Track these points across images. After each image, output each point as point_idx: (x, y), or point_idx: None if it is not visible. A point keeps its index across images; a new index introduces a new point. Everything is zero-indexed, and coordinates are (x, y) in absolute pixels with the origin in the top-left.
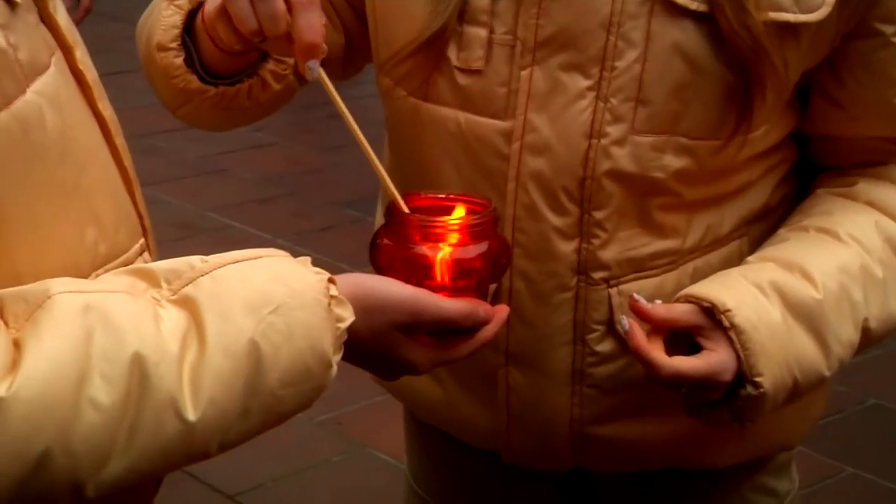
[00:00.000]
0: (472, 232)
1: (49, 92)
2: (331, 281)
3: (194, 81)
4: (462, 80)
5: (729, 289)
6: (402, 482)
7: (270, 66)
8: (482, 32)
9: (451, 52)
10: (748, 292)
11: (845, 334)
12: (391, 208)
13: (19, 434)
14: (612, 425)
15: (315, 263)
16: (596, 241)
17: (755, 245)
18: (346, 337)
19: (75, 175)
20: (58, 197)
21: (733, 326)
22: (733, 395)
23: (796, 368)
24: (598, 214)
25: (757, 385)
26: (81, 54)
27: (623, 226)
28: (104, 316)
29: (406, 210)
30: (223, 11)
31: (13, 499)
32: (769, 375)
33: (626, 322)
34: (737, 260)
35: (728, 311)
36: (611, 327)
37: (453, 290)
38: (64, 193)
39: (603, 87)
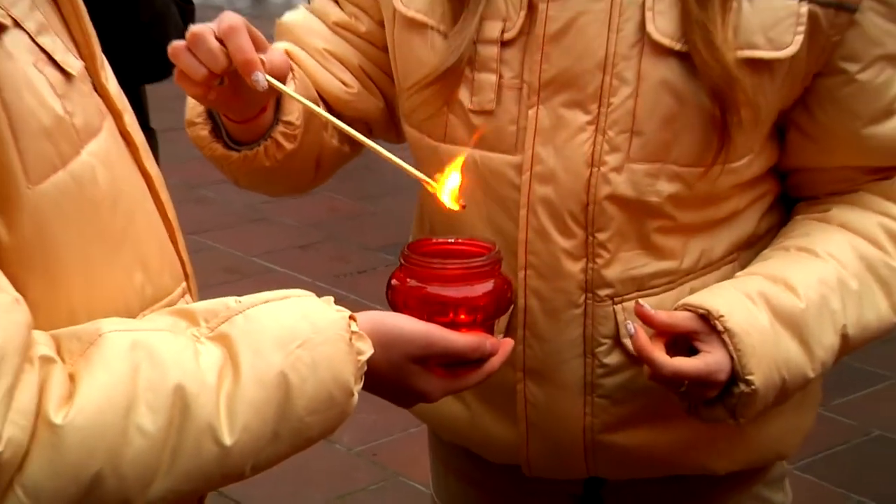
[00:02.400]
0: (478, 273)
1: (101, 152)
2: (352, 318)
3: (219, 149)
4: (476, 120)
5: (721, 298)
6: None
7: (280, 128)
8: (492, 78)
9: (465, 97)
10: (739, 301)
11: (827, 339)
12: (405, 252)
13: (74, 458)
14: (622, 433)
15: (351, 304)
16: (600, 261)
17: None
18: (366, 368)
19: (124, 225)
20: (109, 245)
21: (726, 330)
22: (728, 394)
23: (784, 369)
24: (601, 236)
25: (749, 383)
26: (129, 119)
27: (624, 247)
28: (149, 352)
29: (428, 181)
30: (182, 76)
31: None
32: (760, 374)
33: (632, 326)
34: None
35: (721, 316)
36: (618, 341)
37: (462, 326)
38: (114, 242)
39: (601, 121)
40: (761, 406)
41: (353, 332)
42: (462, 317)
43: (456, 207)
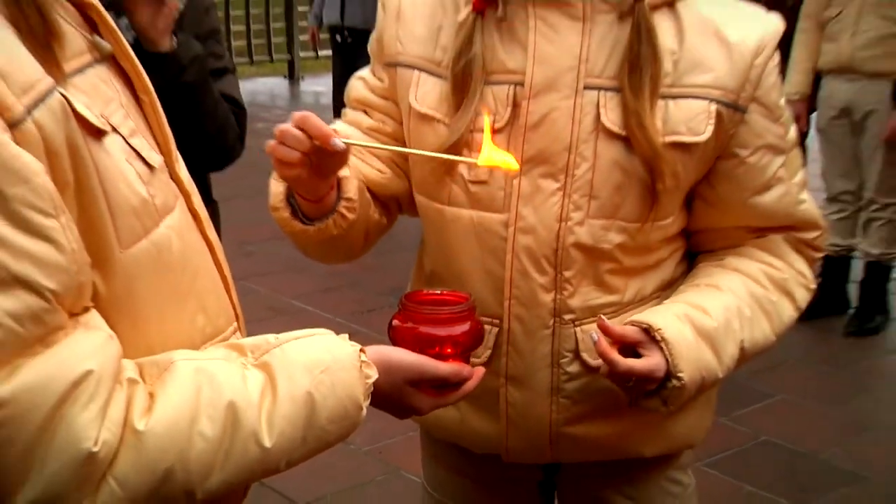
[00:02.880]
0: (458, 317)
1: (175, 225)
2: (362, 350)
3: (298, 225)
4: (473, 188)
5: (659, 316)
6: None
7: (343, 203)
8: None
9: (465, 171)
10: (671, 319)
11: (730, 350)
12: (403, 300)
13: (153, 456)
14: (579, 426)
15: (364, 336)
16: (566, 293)
17: None
18: (372, 389)
19: (191, 281)
20: (179, 296)
21: (663, 339)
22: (662, 388)
23: (703, 371)
24: (567, 274)
25: (679, 379)
26: (196, 199)
27: (583, 283)
28: (209, 376)
29: (472, 161)
30: (287, 176)
31: (150, 498)
32: (687, 373)
33: (596, 335)
34: None
35: (659, 329)
36: (577, 355)
37: (446, 357)
38: (183, 293)
39: (567, 188)
40: (686, 397)
41: (362, 362)
42: (446, 350)
43: (516, 167)
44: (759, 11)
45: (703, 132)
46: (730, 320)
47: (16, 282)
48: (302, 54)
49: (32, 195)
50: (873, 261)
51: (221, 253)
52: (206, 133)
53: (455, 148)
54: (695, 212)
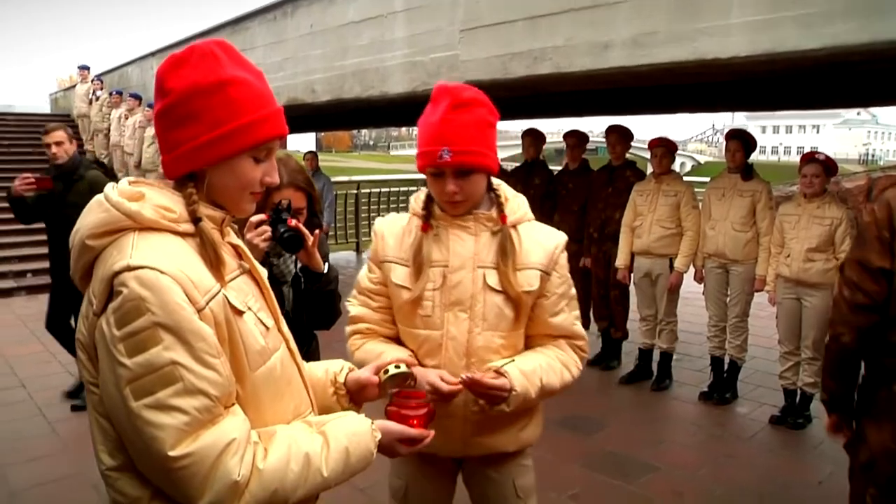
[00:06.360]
0: (422, 406)
1: (279, 357)
2: (372, 422)
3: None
4: (423, 318)
5: (504, 366)
6: None
7: None
8: (430, 304)
9: (420, 311)
10: (510, 366)
11: (537, 383)
12: (392, 399)
13: (268, 481)
14: (478, 437)
15: (374, 407)
16: (471, 369)
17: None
18: (378, 443)
19: (286, 385)
20: (280, 395)
21: (507, 373)
22: (507, 400)
23: (525, 390)
24: (473, 359)
25: (515, 390)
26: (292, 342)
27: (481, 365)
28: (295, 438)
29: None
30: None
31: (267, 503)
32: (519, 387)
33: (467, 376)
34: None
35: (506, 372)
36: (476, 401)
37: (415, 426)
38: (283, 393)
39: (472, 316)
40: (519, 402)
41: (373, 429)
42: (415, 423)
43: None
44: (554, 230)
45: (535, 285)
46: (535, 369)
47: (199, 392)
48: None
49: (208, 347)
50: (664, 351)
51: (305, 370)
52: (333, 315)
53: (416, 300)
54: (526, 327)
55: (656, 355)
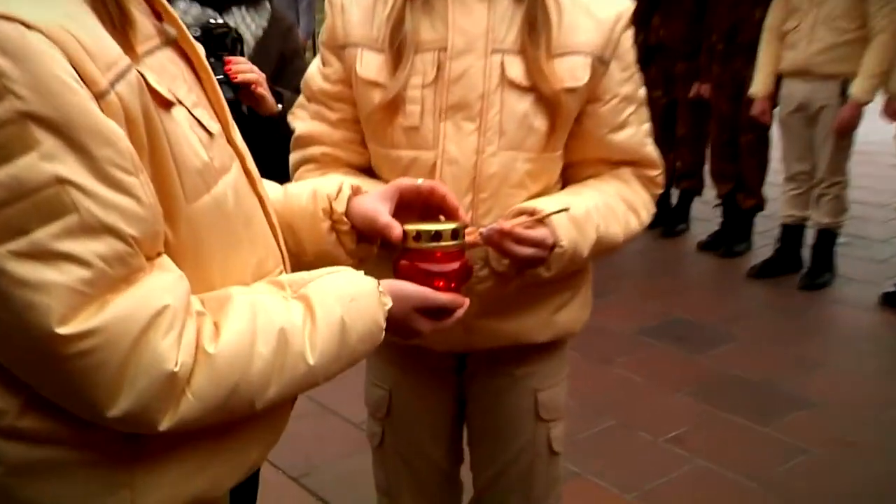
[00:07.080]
0: (451, 255)
1: (231, 183)
2: (378, 283)
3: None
4: (408, 132)
5: (542, 203)
6: None
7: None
8: (417, 108)
9: (402, 120)
10: (553, 204)
11: (591, 235)
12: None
13: (222, 374)
14: (486, 319)
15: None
16: (479, 213)
17: None
18: (388, 314)
19: (244, 229)
20: (234, 242)
21: (550, 222)
22: (548, 260)
23: (582, 245)
24: (482, 195)
25: (562, 247)
26: (249, 161)
27: (495, 207)
28: (262, 307)
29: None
30: None
31: (220, 409)
32: (567, 241)
33: (492, 227)
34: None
35: (543, 210)
36: (486, 262)
37: (442, 289)
38: (238, 240)
39: (482, 128)
40: (565, 262)
41: (380, 292)
42: (442, 284)
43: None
44: None
45: (584, 79)
46: (589, 212)
47: (105, 229)
48: None
49: (117, 156)
50: (823, 228)
51: (271, 206)
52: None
53: (393, 102)
54: (567, 148)
55: (810, 236)
